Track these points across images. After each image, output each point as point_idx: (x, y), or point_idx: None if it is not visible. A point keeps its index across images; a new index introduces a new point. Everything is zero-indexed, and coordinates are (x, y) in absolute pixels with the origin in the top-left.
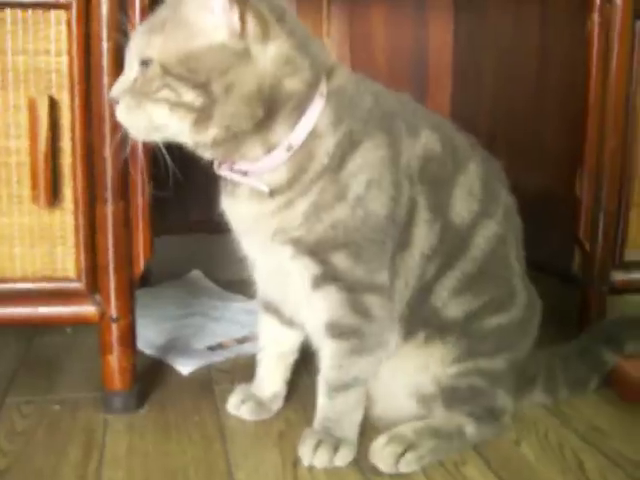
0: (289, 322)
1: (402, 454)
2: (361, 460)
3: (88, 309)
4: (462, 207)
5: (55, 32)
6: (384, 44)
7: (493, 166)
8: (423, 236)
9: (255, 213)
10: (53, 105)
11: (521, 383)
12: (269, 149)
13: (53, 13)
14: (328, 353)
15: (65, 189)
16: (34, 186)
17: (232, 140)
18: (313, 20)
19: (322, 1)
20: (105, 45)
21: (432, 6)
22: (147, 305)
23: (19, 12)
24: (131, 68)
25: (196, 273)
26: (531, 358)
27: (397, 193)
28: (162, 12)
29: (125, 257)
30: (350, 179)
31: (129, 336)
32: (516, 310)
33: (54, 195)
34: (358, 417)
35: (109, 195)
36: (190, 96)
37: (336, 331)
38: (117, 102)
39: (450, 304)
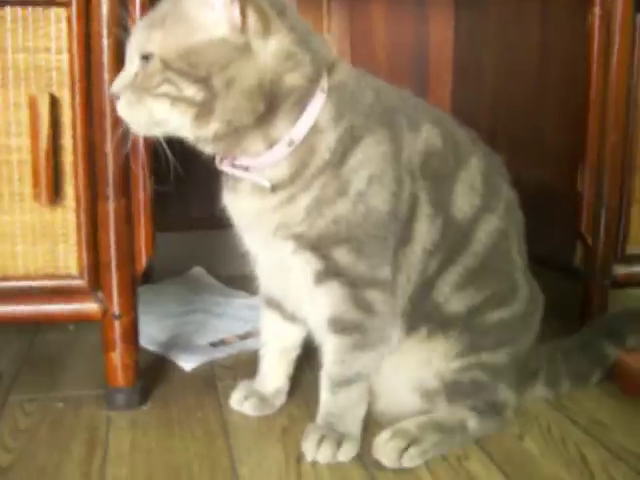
0: (291, 317)
1: (405, 449)
2: (364, 455)
3: (90, 306)
4: (464, 202)
5: (55, 30)
6: (385, 40)
7: (494, 161)
8: (425, 231)
9: (257, 208)
10: (54, 103)
11: (523, 377)
12: (270, 144)
13: (53, 11)
14: (331, 348)
15: (67, 187)
16: (36, 184)
17: (233, 135)
18: (314, 16)
19: None
20: (105, 42)
21: (433, 2)
22: (149, 302)
23: (19, 10)
24: (132, 63)
25: (198, 270)
26: (533, 352)
27: (399, 189)
28: (162, 7)
29: (127, 254)
30: (351, 174)
31: (132, 333)
32: (518, 304)
33: (56, 193)
34: (361, 412)
35: (111, 192)
36: (191, 91)
37: (338, 326)
38: (118, 97)
39: (452, 299)
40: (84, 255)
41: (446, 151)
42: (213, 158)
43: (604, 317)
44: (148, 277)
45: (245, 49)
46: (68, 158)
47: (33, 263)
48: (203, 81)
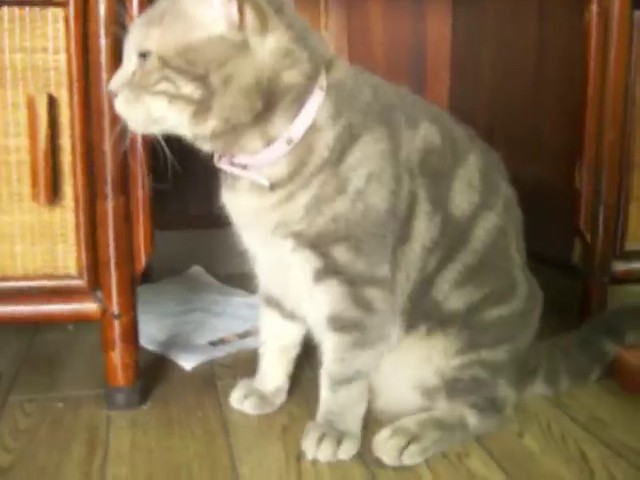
0: (291, 316)
1: (406, 446)
2: (365, 453)
3: (90, 306)
4: (462, 199)
5: (53, 30)
6: (382, 37)
7: (492, 158)
8: (424, 229)
9: (256, 207)
10: (52, 103)
11: (523, 374)
12: (269, 142)
13: (50, 11)
14: (330, 346)
15: (65, 187)
16: (34, 184)
17: (231, 132)
18: (311, 14)
19: None
20: (103, 42)
21: None
22: (149, 301)
23: (16, 10)
24: (130, 61)
25: (197, 269)
26: (532, 349)
27: (397, 187)
28: (160, 5)
29: (126, 253)
30: (350, 173)
31: (131, 332)
32: (517, 301)
33: (54, 193)
34: (361, 410)
35: (109, 190)
36: (189, 88)
37: (338, 324)
38: (116, 95)
39: (451, 296)
40: (83, 255)
41: (444, 148)
42: (211, 156)
43: (603, 314)
44: (147, 276)
45: (243, 46)
46: (67, 158)
47: (32, 263)
48: (201, 79)
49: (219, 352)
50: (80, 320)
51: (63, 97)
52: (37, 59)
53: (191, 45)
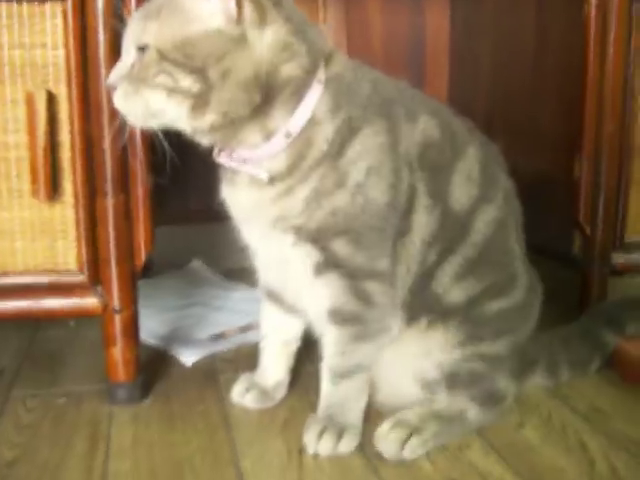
0: (291, 310)
1: (407, 439)
2: (366, 446)
3: (90, 301)
4: (461, 192)
5: (51, 25)
6: (381, 30)
7: (492, 150)
8: (423, 223)
9: (255, 201)
10: (51, 99)
11: (523, 366)
12: (267, 136)
13: (48, 6)
14: (331, 340)
15: (65, 183)
16: (34, 180)
17: (230, 126)
18: (310, 7)
19: None
20: (101, 37)
21: None
22: (149, 296)
23: (14, 6)
24: (128, 54)
25: (197, 263)
26: (532, 341)
27: (397, 180)
28: None
29: (126, 249)
30: (350, 166)
31: (132, 327)
32: (517, 294)
33: (54, 189)
34: (362, 403)
35: (109, 188)
36: (187, 82)
37: (338, 318)
38: (115, 88)
39: (452, 289)
40: (83, 251)
41: (443, 142)
42: (211, 150)
43: (603, 305)
44: (148, 271)
45: (241, 40)
46: (66, 154)
47: (32, 259)
48: (199, 72)
49: (220, 346)
50: (81, 315)
51: (62, 93)
52: (35, 55)
53: (189, 39)
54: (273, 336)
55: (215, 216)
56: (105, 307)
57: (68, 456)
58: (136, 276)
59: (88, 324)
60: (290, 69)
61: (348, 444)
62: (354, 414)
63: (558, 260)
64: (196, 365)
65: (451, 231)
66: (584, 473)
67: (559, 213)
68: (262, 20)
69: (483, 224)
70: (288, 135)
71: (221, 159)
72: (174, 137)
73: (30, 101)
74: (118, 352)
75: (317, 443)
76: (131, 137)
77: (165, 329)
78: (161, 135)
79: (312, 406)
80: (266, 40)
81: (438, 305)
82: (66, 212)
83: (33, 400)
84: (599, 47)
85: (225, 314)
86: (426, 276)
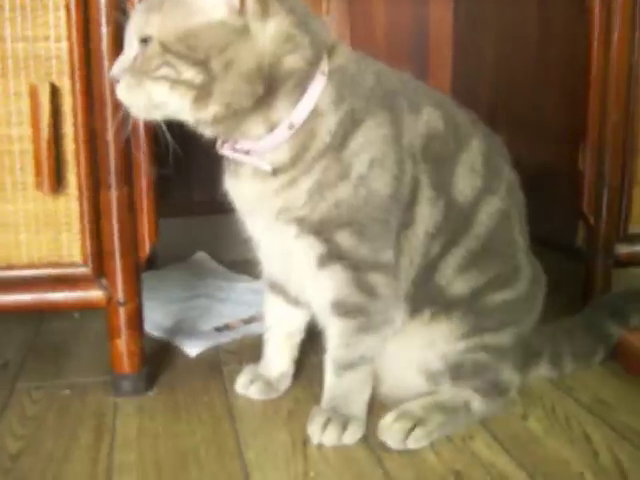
0: (295, 301)
1: (411, 430)
2: (370, 437)
3: (95, 294)
4: (465, 184)
5: (54, 18)
6: (384, 22)
7: (495, 142)
8: (427, 214)
9: (258, 192)
10: (54, 91)
11: (527, 357)
12: (271, 127)
13: None
14: (335, 332)
15: (69, 175)
16: (38, 173)
17: (233, 118)
18: None
19: None
20: (104, 30)
21: None
22: (154, 288)
23: None
24: (131, 47)
25: (201, 255)
26: (536, 332)
27: (400, 172)
28: None
29: (130, 241)
30: (353, 158)
31: (136, 319)
32: (521, 285)
33: (58, 181)
34: (366, 395)
35: (113, 180)
36: (190, 73)
37: (342, 310)
38: (118, 81)
39: (455, 281)
40: (87, 243)
41: (447, 134)
42: (214, 142)
43: (607, 296)
44: (152, 263)
45: (243, 31)
46: (69, 146)
47: (37, 252)
48: (202, 64)
49: (224, 338)
50: (85, 308)
51: (65, 85)
52: (39, 48)
53: (191, 30)
54: (277, 328)
55: (219, 208)
56: (109, 299)
57: (73, 448)
58: (140, 268)
59: (93, 316)
60: (293, 61)
61: (352, 435)
62: (358, 405)
63: (562, 251)
64: (200, 356)
65: (454, 223)
66: (588, 464)
67: (563, 204)
68: (265, 12)
69: (486, 216)
70: (291, 127)
71: (224, 151)
72: (177, 129)
73: (34, 94)
74: (123, 344)
75: (321, 434)
76: (134, 129)
77: (169, 321)
78: (164, 127)
79: (316, 397)
80: (269, 32)
81: (441, 297)
82: (70, 204)
83: (38, 392)
84: (603, 34)
85: (229, 305)
86: (429, 268)
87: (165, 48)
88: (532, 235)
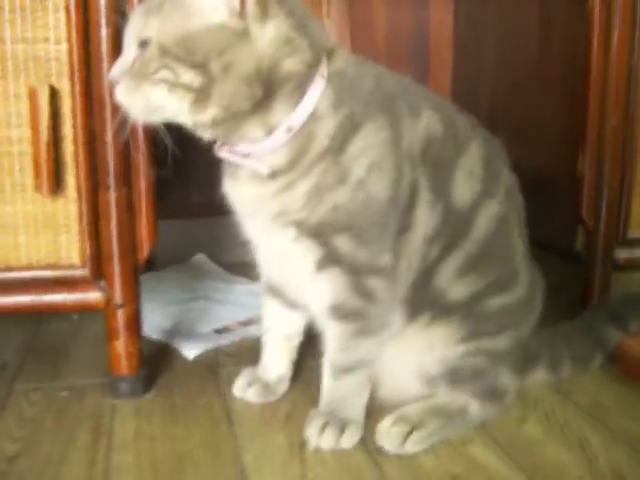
0: (293, 304)
1: (408, 434)
2: (368, 441)
3: (93, 296)
4: (464, 188)
5: (54, 20)
6: (384, 24)
7: (494, 145)
8: (425, 218)
9: (256, 195)
10: (54, 93)
11: (525, 361)
12: (269, 130)
13: (51, 1)
14: (333, 335)
15: (68, 177)
16: (37, 175)
17: (231, 120)
18: (313, 1)
19: None
20: (104, 31)
21: None
22: (152, 289)
23: (17, 0)
24: (129, 49)
25: (200, 256)
26: (535, 336)
27: (399, 176)
28: None
29: (129, 243)
30: (352, 162)
31: (135, 321)
32: (519, 289)
33: (57, 183)
34: (364, 398)
35: (112, 182)
36: (188, 76)
37: (340, 313)
38: (117, 83)
39: (454, 285)
40: (86, 245)
41: (446, 138)
42: (213, 144)
43: (606, 301)
44: (151, 265)
45: (243, 34)
46: (69, 148)
47: (36, 253)
48: (201, 66)
49: (222, 340)
50: (84, 310)
51: (65, 87)
52: (38, 49)
53: (190, 33)
54: (275, 330)
55: (217, 210)
56: (108, 301)
57: (70, 449)
58: (139, 270)
59: (91, 317)
60: (292, 64)
61: (350, 439)
62: (356, 409)
63: (561, 255)
64: (198, 359)
65: (453, 227)
66: (586, 469)
67: (562, 208)
68: (264, 14)
69: (485, 220)
70: (289, 130)
71: (222, 153)
72: (176, 131)
73: (33, 95)
74: (121, 346)
75: (319, 437)
76: (133, 131)
77: (168, 323)
78: (163, 129)
79: (314, 401)
80: (268, 34)
81: (440, 301)
82: (69, 206)
83: (36, 393)
84: (603, 36)
85: (228, 307)
86: (428, 272)
87: (164, 51)
88: (531, 239)
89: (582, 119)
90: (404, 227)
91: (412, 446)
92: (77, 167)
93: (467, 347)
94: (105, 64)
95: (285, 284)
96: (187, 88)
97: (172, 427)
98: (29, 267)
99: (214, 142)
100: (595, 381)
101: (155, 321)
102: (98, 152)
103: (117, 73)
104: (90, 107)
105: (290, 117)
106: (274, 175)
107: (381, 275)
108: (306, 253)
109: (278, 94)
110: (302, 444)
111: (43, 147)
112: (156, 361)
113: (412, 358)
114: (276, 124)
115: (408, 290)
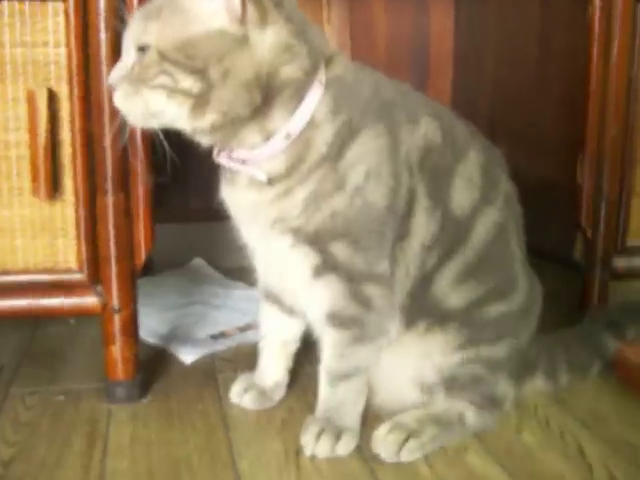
0: (290, 311)
1: (404, 442)
2: (364, 448)
3: (90, 300)
4: (462, 196)
5: (53, 24)
6: (385, 31)
7: (493, 154)
8: (423, 226)
9: (254, 201)
10: (52, 97)
11: (522, 369)
12: (267, 136)
13: (50, 4)
14: (329, 342)
15: (65, 181)
16: (34, 178)
17: (230, 126)
18: (313, 7)
19: None
20: (103, 36)
21: None
22: (150, 294)
23: (16, 4)
24: (128, 54)
25: (198, 261)
26: (532, 344)
27: (396, 183)
28: None
29: (126, 248)
30: (349, 169)
31: (131, 326)
32: (517, 297)
33: (54, 187)
34: (360, 406)
35: (109, 186)
36: (187, 82)
37: (337, 320)
38: (115, 88)
39: (451, 293)
40: (83, 249)
41: (445, 145)
42: (211, 150)
43: (604, 309)
44: (149, 269)
45: (243, 40)
46: (67, 152)
47: (33, 257)
48: (200, 72)
49: (219, 345)
50: (80, 314)
51: (63, 91)
52: (37, 53)
53: (190, 39)
54: (272, 337)
55: (215, 215)
56: (104, 306)
57: (66, 454)
58: (136, 275)
59: (88, 322)
60: (290, 70)
61: (346, 446)
62: (352, 416)
63: (559, 264)
64: (195, 364)
65: (451, 235)
66: (582, 478)
67: (561, 217)
68: (263, 20)
69: (483, 228)
70: (287, 136)
71: (221, 159)
72: (174, 136)
73: (31, 99)
74: (117, 350)
75: (315, 445)
76: (132, 137)
77: (165, 328)
78: (161, 134)
79: (310, 407)
80: (267, 41)
81: (438, 309)
82: (66, 210)
83: (32, 398)
84: (603, 47)
85: (225, 313)
86: (426, 279)
87: (163, 56)
88: (530, 247)
89: (581, 128)
90: (402, 234)
91: (408, 454)
92: (75, 171)
93: (465, 355)
94: (104, 68)
95: (282, 290)
96: (186, 94)
97: (168, 432)
98: (26, 271)
99: (212, 148)
100: (593, 389)
101: (152, 326)
102: (96, 156)
103: (116, 78)
104: (88, 111)
105: (288, 123)
106: (272, 181)
107: (378, 282)
108: (303, 260)
109: (277, 100)
110: (298, 451)
111: (41, 151)
112: (153, 366)
113: (409, 365)
114: (274, 130)
115: (406, 297)
